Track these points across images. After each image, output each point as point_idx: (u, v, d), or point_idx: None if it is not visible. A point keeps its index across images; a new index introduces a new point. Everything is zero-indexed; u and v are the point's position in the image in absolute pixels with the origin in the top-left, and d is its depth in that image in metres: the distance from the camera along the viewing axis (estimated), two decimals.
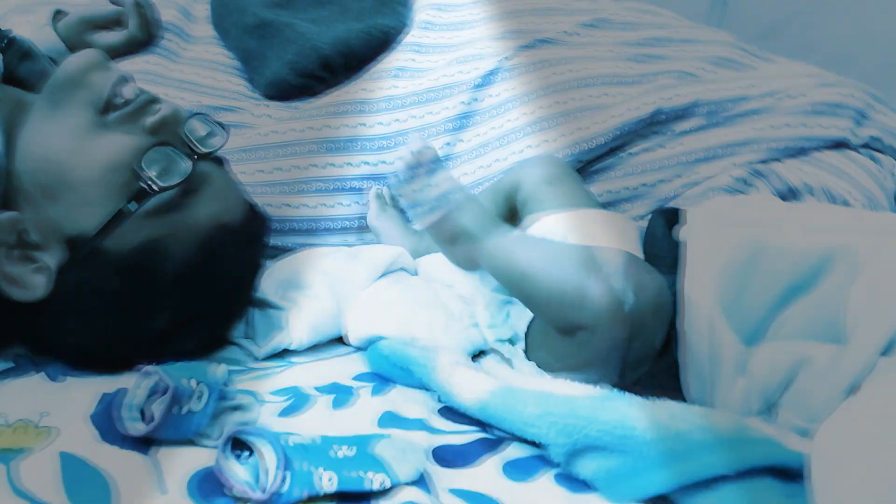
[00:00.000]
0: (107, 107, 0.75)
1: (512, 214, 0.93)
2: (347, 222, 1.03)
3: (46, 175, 0.72)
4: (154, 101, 0.78)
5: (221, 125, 0.83)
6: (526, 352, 0.79)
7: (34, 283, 0.72)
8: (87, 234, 0.72)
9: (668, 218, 0.81)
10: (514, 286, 0.77)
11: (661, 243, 0.77)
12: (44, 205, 0.72)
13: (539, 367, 0.77)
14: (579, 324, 0.70)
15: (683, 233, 0.77)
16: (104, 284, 0.73)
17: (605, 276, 0.70)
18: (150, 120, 0.76)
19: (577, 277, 0.70)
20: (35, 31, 1.05)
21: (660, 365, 0.71)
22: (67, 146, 0.73)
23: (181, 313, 0.77)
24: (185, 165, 0.76)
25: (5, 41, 0.85)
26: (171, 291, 0.76)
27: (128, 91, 0.77)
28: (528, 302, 0.77)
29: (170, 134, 0.77)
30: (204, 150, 0.79)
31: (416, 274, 0.96)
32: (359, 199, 1.04)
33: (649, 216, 0.87)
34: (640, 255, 0.79)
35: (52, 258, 0.73)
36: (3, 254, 0.71)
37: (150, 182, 0.73)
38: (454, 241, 0.83)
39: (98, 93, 0.75)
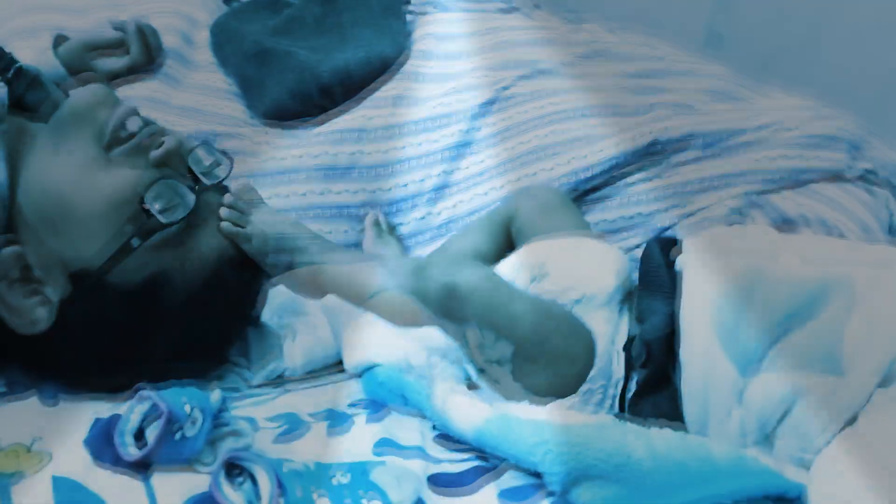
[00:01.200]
0: (111, 142, 0.76)
1: (508, 244, 0.93)
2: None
3: (51, 209, 0.73)
4: (159, 132, 0.78)
5: (226, 154, 0.84)
6: (513, 373, 0.79)
7: (37, 316, 0.72)
8: (91, 268, 0.73)
9: (664, 247, 0.81)
10: None
11: (658, 271, 0.77)
12: (48, 238, 0.73)
13: (524, 389, 0.77)
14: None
15: (680, 262, 0.77)
16: (106, 316, 0.74)
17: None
18: (154, 154, 0.77)
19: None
20: (36, 55, 1.06)
21: (662, 393, 0.71)
22: (72, 181, 0.74)
23: (182, 341, 0.77)
24: (190, 198, 0.76)
25: (13, 70, 0.85)
26: (172, 321, 0.76)
27: (132, 124, 0.77)
28: None
29: (174, 166, 0.78)
30: (208, 182, 0.80)
31: None
32: (356, 226, 1.04)
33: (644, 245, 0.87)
34: (628, 283, 0.79)
35: (55, 292, 0.73)
36: (5, 287, 0.71)
37: (153, 218, 0.74)
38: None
39: (103, 128, 0.76)
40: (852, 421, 0.63)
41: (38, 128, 0.78)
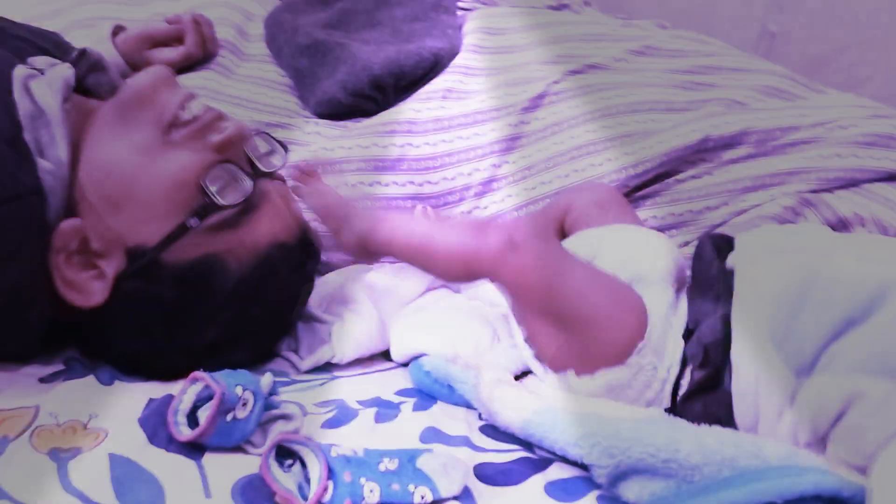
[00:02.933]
0: (171, 124, 0.77)
1: (561, 238, 0.92)
2: None
3: (112, 187, 0.74)
4: (220, 118, 0.80)
5: (282, 144, 0.85)
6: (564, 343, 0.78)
7: (92, 288, 0.74)
8: (148, 245, 0.74)
9: (716, 244, 0.80)
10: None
11: (710, 269, 0.76)
12: (107, 215, 0.74)
13: (578, 375, 0.75)
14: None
15: (732, 259, 0.76)
16: (160, 295, 0.75)
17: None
18: (215, 138, 0.78)
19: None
20: (95, 45, 1.08)
21: (714, 395, 0.70)
22: (135, 161, 0.75)
23: (233, 327, 0.78)
24: (247, 184, 0.78)
25: (76, 53, 0.88)
26: (224, 305, 0.77)
27: (196, 107, 0.79)
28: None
29: (233, 152, 0.79)
30: (265, 169, 0.81)
31: (459, 292, 0.96)
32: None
33: (696, 242, 0.86)
34: (682, 273, 0.79)
35: (110, 266, 0.74)
36: (63, 259, 0.73)
37: (212, 199, 0.75)
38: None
39: (164, 111, 0.78)
40: None
41: (101, 107, 0.79)
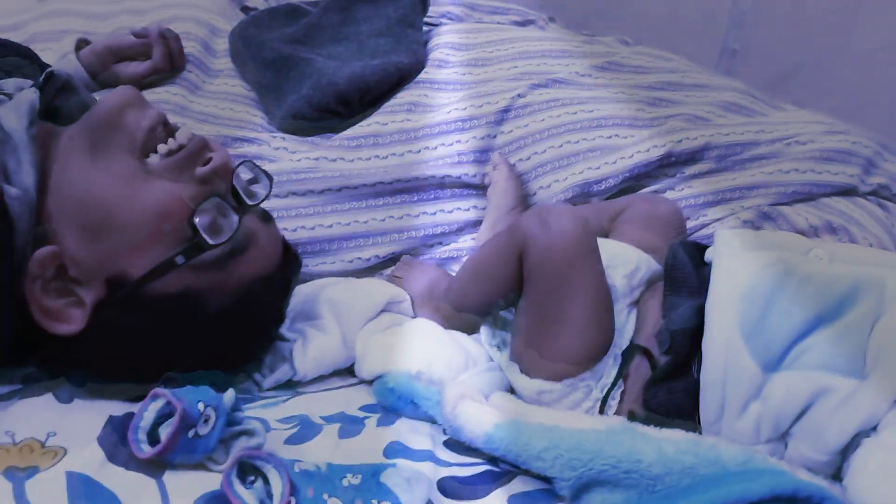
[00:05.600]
0: (145, 150, 0.75)
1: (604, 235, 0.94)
2: (362, 240, 1.03)
3: (89, 217, 0.72)
4: (205, 147, 0.77)
5: (266, 173, 0.83)
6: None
7: (70, 316, 0.72)
8: (129, 276, 0.73)
9: (687, 250, 0.81)
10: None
11: (684, 269, 0.77)
12: (85, 243, 0.72)
13: (521, 372, 0.78)
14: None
15: (710, 254, 0.77)
16: (138, 324, 0.74)
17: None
18: (201, 170, 0.76)
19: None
20: (57, 58, 1.07)
21: (678, 381, 0.71)
22: (114, 190, 0.73)
23: (209, 353, 0.77)
24: (233, 220, 0.75)
25: (44, 75, 0.85)
26: (204, 333, 0.76)
27: (181, 135, 0.77)
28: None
29: (218, 183, 0.77)
30: (250, 202, 0.79)
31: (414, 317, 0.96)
32: (375, 216, 1.04)
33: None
34: (642, 285, 0.81)
35: (89, 294, 0.73)
36: (39, 287, 0.71)
37: (200, 236, 0.73)
38: None
39: (134, 135, 0.75)
40: (875, 427, 0.63)
41: (68, 131, 0.77)
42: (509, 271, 0.79)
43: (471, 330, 0.89)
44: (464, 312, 0.87)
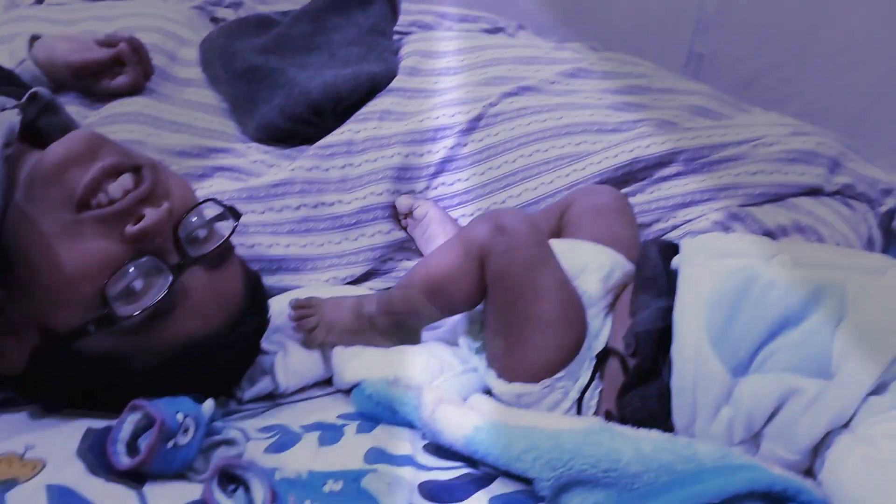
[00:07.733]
0: (82, 204, 0.71)
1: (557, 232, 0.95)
2: (336, 259, 1.04)
3: (23, 265, 0.70)
4: (144, 202, 0.72)
5: (234, 209, 0.79)
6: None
7: (10, 356, 0.72)
8: (57, 331, 0.71)
9: (661, 248, 0.82)
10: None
11: (654, 270, 0.79)
12: (17, 291, 0.71)
13: (498, 376, 0.79)
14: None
15: (677, 261, 0.79)
16: (74, 375, 0.73)
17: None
18: (129, 229, 0.70)
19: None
20: (11, 59, 1.06)
21: (651, 386, 0.72)
22: (38, 248, 0.70)
23: (165, 391, 0.70)
24: (162, 282, 0.71)
25: (26, 96, 0.82)
26: (139, 390, 0.68)
27: (114, 189, 0.72)
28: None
29: (155, 240, 0.72)
30: (195, 253, 0.74)
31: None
32: (348, 237, 1.05)
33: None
34: (617, 288, 0.82)
35: (26, 340, 0.72)
36: None
37: (112, 308, 0.69)
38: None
39: (73, 190, 0.70)
40: (845, 424, 0.64)
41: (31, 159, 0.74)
42: (471, 282, 0.79)
43: (414, 340, 0.89)
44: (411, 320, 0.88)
